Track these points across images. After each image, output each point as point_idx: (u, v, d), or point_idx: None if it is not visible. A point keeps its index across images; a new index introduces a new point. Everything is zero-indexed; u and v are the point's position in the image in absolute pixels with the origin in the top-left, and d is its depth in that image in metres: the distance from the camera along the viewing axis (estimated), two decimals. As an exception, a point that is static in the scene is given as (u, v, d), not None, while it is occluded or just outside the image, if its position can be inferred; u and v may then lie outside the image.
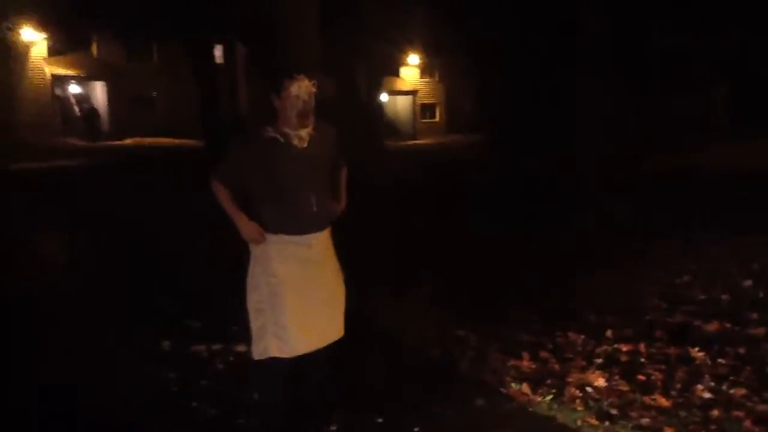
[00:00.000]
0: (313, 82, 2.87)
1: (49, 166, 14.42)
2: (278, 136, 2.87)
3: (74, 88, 25.16)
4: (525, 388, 3.51)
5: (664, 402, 3.30)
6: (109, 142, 22.55)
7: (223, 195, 2.93)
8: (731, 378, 3.55)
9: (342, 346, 3.06)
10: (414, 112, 32.92)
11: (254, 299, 2.92)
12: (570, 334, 4.29)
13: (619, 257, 6.04)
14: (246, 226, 2.89)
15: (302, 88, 2.83)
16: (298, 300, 2.87)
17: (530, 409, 3.34)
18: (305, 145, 2.90)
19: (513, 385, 3.55)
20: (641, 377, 3.60)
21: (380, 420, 3.23)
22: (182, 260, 6.10)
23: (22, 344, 4.18)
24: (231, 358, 4.01)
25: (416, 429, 3.13)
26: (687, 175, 11.04)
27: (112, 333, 4.37)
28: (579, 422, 3.16)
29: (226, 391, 3.55)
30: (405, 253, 6.11)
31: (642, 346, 4.03)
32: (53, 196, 9.93)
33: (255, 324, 2.91)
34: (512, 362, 3.86)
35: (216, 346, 4.16)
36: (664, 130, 17.07)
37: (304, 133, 2.90)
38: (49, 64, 23.22)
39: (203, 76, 15.06)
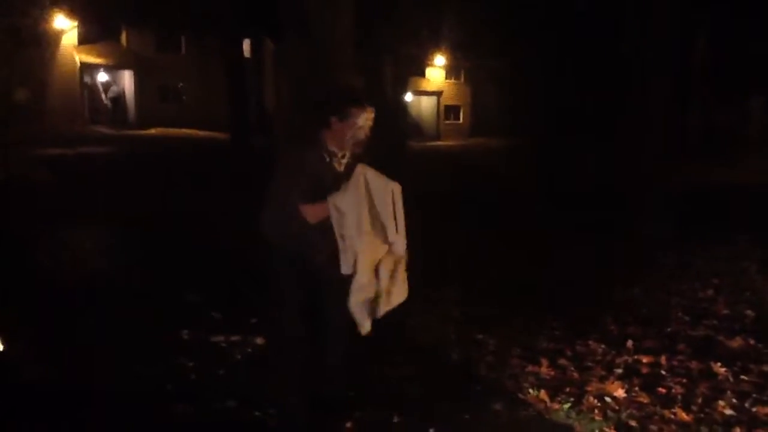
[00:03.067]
0: (373, 110, 2.89)
1: (75, 153, 14.60)
2: (325, 154, 2.88)
3: (102, 77, 25.46)
4: (543, 394, 3.46)
5: (684, 417, 3.24)
6: (135, 131, 22.80)
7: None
8: (754, 395, 3.49)
9: (362, 344, 3.05)
10: (438, 113, 32.88)
11: None
12: (590, 342, 4.24)
13: (648, 268, 5.98)
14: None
15: (368, 120, 2.86)
16: None
17: (547, 417, 3.30)
18: (342, 170, 2.92)
19: (531, 391, 3.50)
20: (662, 390, 3.55)
21: (396, 420, 3.21)
22: (203, 253, 6.13)
23: (43, 331, 4.21)
24: (249, 350, 4.01)
25: (431, 430, 3.11)
26: (722, 187, 10.91)
27: (131, 321, 4.39)
28: (597, 432, 3.13)
29: (243, 382, 3.55)
30: (429, 256, 6.09)
31: (663, 359, 3.97)
32: (74, 183, 10.03)
33: None
34: (531, 368, 3.82)
35: (235, 338, 4.17)
36: (703, 140, 16.82)
37: (348, 158, 2.93)
38: (79, 52, 23.52)
39: (231, 69, 15.14)
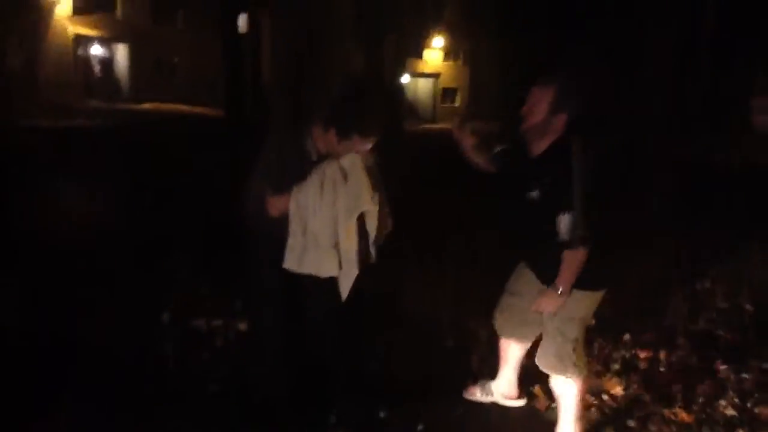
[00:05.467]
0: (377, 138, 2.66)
1: (64, 126, 14.32)
2: (312, 153, 2.67)
3: (96, 49, 25.06)
4: (537, 390, 3.33)
5: (685, 417, 3.11)
6: (128, 105, 22.47)
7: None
8: (756, 395, 3.36)
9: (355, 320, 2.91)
10: (435, 96, 32.58)
11: None
12: (586, 335, 4.09)
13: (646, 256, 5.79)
14: None
15: (367, 146, 2.64)
16: None
17: (541, 413, 3.18)
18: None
19: (524, 386, 3.36)
20: (661, 388, 3.42)
21: (382, 414, 3.07)
22: (192, 232, 5.94)
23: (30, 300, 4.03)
24: (233, 335, 3.86)
25: (420, 427, 2.98)
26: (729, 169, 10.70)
27: (116, 300, 4.23)
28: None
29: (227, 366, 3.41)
30: (427, 240, 5.93)
31: (662, 354, 3.84)
32: (64, 156, 9.77)
33: None
34: (524, 361, 3.66)
35: (217, 322, 4.02)
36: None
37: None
38: (73, 23, 23.10)
39: (226, 44, 14.84)
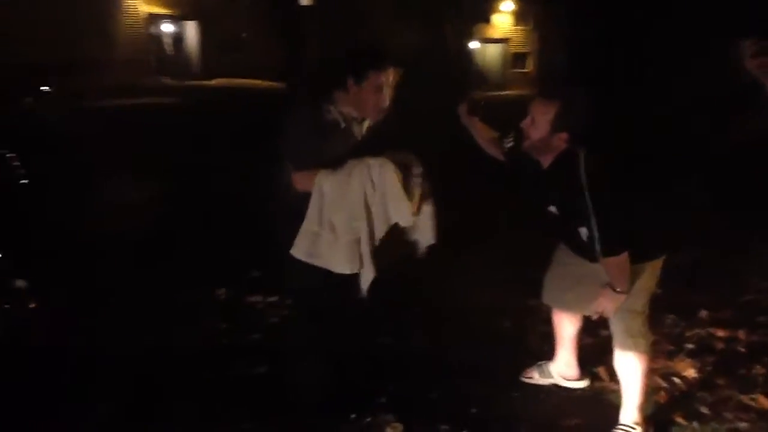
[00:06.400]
0: (398, 71, 2.48)
1: (142, 103, 14.65)
2: (340, 119, 2.50)
3: (167, 27, 25.58)
4: (602, 371, 3.12)
5: (765, 403, 2.85)
6: (199, 82, 22.86)
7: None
8: None
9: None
10: (505, 62, 31.73)
11: None
12: (657, 312, 3.82)
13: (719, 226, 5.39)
14: None
15: (389, 80, 2.44)
16: None
17: (604, 397, 2.97)
18: (363, 135, 2.57)
19: (587, 367, 3.16)
20: (740, 371, 3.14)
21: (434, 396, 2.95)
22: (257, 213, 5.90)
23: (76, 287, 4.11)
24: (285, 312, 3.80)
25: (473, 410, 2.84)
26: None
27: (170, 278, 4.25)
28: (662, 418, 2.77)
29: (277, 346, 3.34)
30: (487, 217, 5.73)
31: (741, 333, 3.54)
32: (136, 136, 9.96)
33: None
34: (587, 340, 3.45)
35: (272, 298, 3.98)
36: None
37: (370, 122, 2.57)
38: (145, 2, 23.61)
39: (287, 18, 14.80)
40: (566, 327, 2.99)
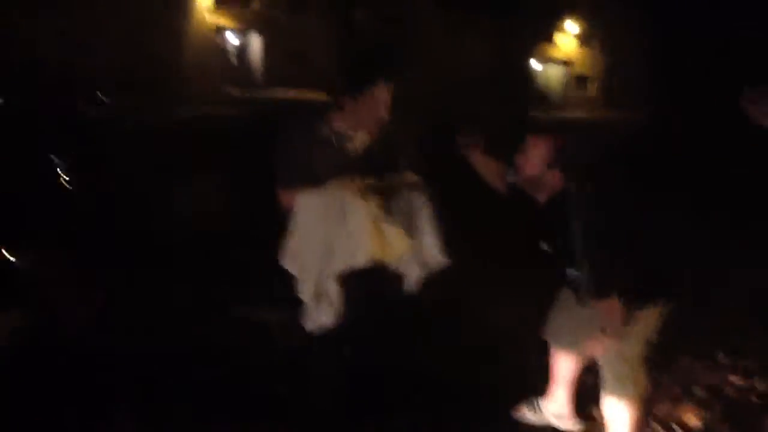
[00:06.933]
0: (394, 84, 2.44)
1: (209, 115, 14.90)
2: (332, 136, 2.45)
3: (232, 39, 26.33)
4: (595, 413, 3.02)
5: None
6: (263, 94, 23.38)
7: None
8: None
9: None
10: (566, 83, 31.30)
11: None
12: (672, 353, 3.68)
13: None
14: None
15: (386, 95, 2.40)
16: None
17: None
18: (360, 152, 2.48)
19: (584, 409, 3.05)
20: (748, 422, 3.00)
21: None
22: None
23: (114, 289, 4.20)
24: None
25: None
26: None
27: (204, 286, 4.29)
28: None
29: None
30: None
31: (758, 382, 3.38)
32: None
33: None
34: (588, 380, 3.32)
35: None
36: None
37: (365, 137, 2.48)
38: (212, 14, 24.39)
39: (341, 31, 15.02)
40: (563, 366, 2.91)
